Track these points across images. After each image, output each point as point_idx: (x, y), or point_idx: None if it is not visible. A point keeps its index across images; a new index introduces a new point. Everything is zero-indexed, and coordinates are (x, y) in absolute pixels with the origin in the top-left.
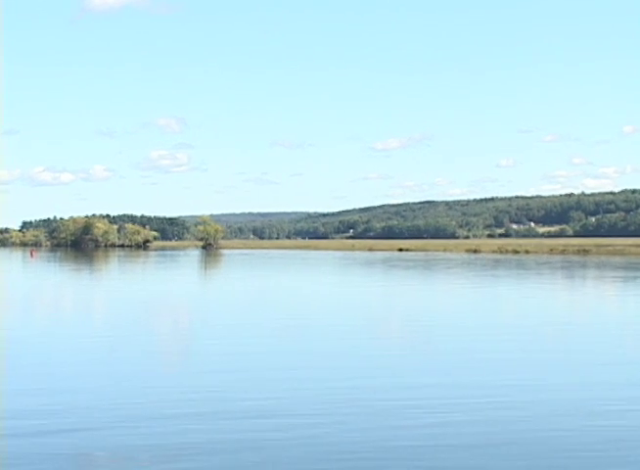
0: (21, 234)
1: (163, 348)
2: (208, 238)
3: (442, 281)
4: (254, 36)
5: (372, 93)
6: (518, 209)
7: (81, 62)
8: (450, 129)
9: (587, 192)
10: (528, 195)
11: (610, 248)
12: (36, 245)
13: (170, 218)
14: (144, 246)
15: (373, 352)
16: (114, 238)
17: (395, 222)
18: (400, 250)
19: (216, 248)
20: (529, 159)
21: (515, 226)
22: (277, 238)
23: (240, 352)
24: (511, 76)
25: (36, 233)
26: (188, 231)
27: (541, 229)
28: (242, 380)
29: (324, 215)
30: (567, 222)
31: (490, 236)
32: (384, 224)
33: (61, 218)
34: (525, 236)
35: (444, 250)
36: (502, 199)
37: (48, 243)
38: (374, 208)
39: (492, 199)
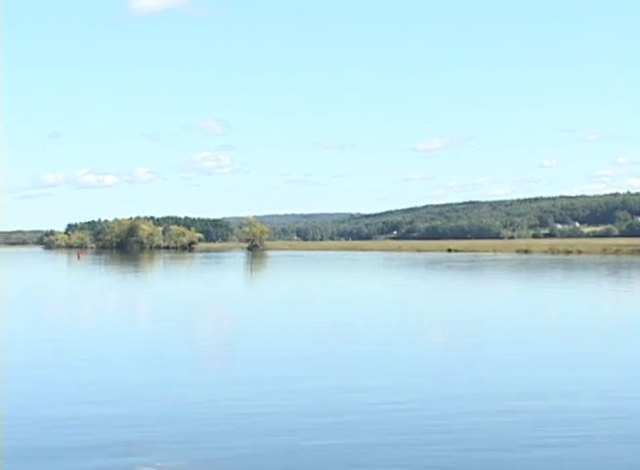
0: (66, 236)
1: (216, 352)
2: (254, 239)
3: (515, 283)
4: (296, 37)
5: (413, 93)
6: (562, 208)
7: (124, 65)
8: (492, 129)
9: (632, 191)
10: (572, 195)
11: None
12: (81, 247)
13: (214, 220)
14: (189, 247)
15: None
16: (159, 240)
17: (439, 223)
18: (449, 250)
19: (262, 249)
20: (573, 158)
21: (560, 226)
22: (320, 239)
23: (299, 357)
24: (553, 75)
25: (81, 235)
26: (232, 233)
27: (586, 229)
28: (295, 390)
29: (367, 216)
30: (612, 222)
31: (535, 236)
32: (427, 225)
33: (105, 221)
34: (569, 236)
35: (494, 250)
36: (546, 199)
37: (93, 245)
38: (417, 208)
39: (536, 199)
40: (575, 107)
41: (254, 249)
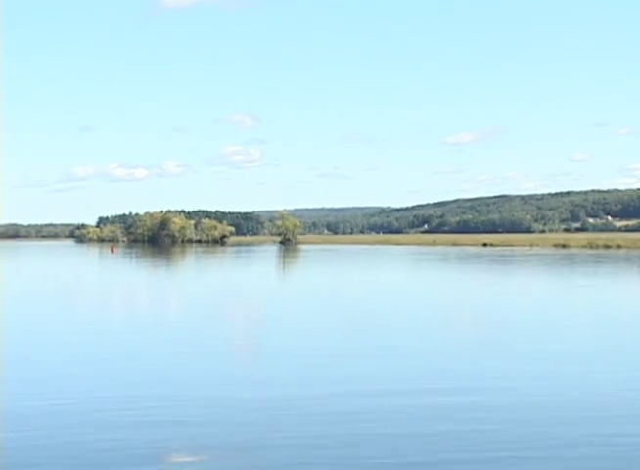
0: (98, 230)
1: (256, 348)
2: (286, 233)
3: (580, 279)
4: (326, 31)
5: (443, 87)
6: (594, 202)
7: (155, 59)
8: (523, 123)
9: None
10: (604, 189)
11: None
12: (113, 240)
13: (244, 213)
14: (221, 241)
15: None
16: (190, 234)
17: (470, 217)
18: (485, 245)
19: (295, 243)
20: (604, 152)
21: (591, 220)
22: (350, 233)
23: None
24: (584, 69)
25: (113, 229)
26: (262, 226)
27: (619, 223)
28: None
29: (397, 210)
30: None
31: (567, 230)
32: (458, 219)
33: (136, 214)
34: (602, 230)
35: (531, 245)
36: (578, 193)
37: (125, 239)
38: (448, 202)
39: (568, 193)
40: (607, 101)
41: (287, 242)
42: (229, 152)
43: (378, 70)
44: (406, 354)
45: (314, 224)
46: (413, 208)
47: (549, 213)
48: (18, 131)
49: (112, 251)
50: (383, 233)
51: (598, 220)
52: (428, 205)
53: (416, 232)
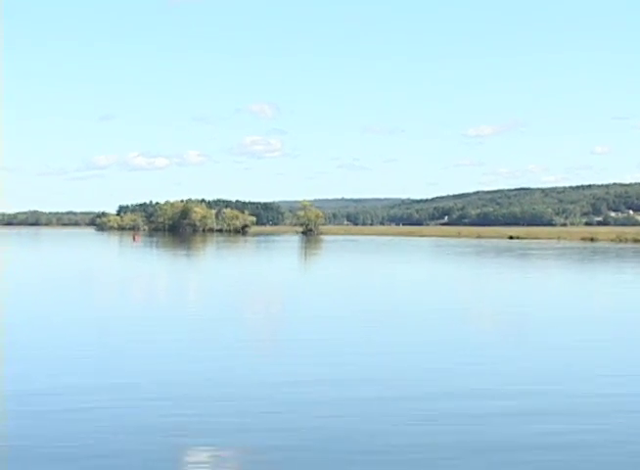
0: (118, 218)
1: (281, 339)
2: (309, 223)
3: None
4: (347, 22)
5: (464, 79)
6: (616, 196)
7: (176, 48)
8: (543, 115)
9: None
10: (626, 182)
11: None
12: (134, 229)
13: (265, 203)
14: (242, 231)
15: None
16: (211, 223)
17: (491, 209)
18: (511, 238)
19: (317, 233)
20: (625, 146)
21: (613, 214)
22: (370, 224)
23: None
24: (606, 62)
25: (134, 217)
26: (283, 216)
27: None
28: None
29: (417, 202)
30: None
31: (588, 224)
32: (479, 211)
33: (156, 203)
34: (623, 224)
35: (558, 238)
36: (599, 186)
37: (145, 227)
38: (468, 194)
39: (589, 186)
40: (628, 94)
41: (309, 233)
42: (249, 142)
43: (399, 62)
44: (452, 351)
45: (334, 215)
46: (433, 199)
47: (570, 207)
48: (39, 120)
49: (134, 239)
50: (403, 224)
51: (620, 214)
52: (448, 196)
53: (436, 224)
